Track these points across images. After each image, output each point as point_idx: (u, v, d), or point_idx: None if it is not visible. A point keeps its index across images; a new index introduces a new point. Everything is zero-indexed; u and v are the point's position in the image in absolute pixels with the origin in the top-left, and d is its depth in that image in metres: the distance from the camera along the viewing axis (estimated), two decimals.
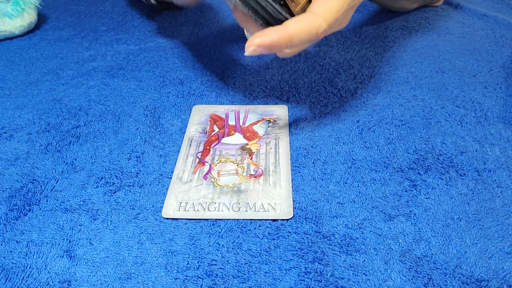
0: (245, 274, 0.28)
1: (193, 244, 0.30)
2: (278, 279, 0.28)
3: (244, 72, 0.51)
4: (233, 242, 0.31)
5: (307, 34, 0.32)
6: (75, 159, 0.38)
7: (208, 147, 0.39)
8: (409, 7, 0.64)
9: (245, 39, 0.58)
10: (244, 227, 0.32)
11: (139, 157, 0.38)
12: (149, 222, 0.32)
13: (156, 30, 0.62)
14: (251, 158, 0.38)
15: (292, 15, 0.34)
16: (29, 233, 0.31)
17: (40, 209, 0.33)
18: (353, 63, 0.52)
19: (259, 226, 0.32)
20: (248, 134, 0.40)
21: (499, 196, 0.34)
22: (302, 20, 0.32)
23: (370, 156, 0.38)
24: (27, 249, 0.30)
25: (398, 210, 0.33)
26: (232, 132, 0.41)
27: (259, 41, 0.32)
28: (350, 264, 0.29)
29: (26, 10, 0.58)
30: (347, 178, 0.36)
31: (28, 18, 0.59)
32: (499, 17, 0.63)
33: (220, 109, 0.44)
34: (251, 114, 0.43)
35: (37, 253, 0.30)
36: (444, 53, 0.54)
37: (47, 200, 0.34)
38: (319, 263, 0.29)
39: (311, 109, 0.44)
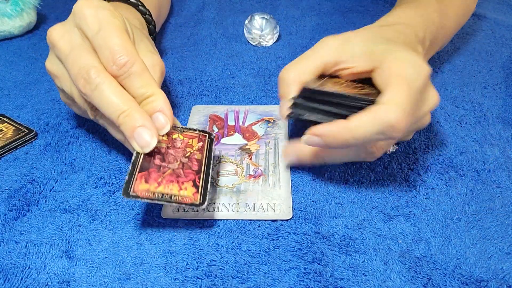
0: (244, 274, 0.28)
1: (192, 244, 0.30)
2: (278, 279, 0.28)
3: (244, 72, 0.51)
4: (232, 242, 0.30)
5: (372, 125, 0.28)
6: (74, 160, 0.38)
7: None
8: None
9: (243, 42, 0.58)
10: (244, 228, 0.32)
11: None
12: (148, 222, 0.32)
13: None
14: (251, 159, 0.38)
15: None
16: (28, 234, 0.31)
17: (39, 210, 0.33)
18: None
19: (259, 226, 0.32)
20: (247, 135, 0.40)
21: (499, 196, 0.34)
22: (366, 112, 0.29)
23: None
24: (26, 249, 0.30)
25: (398, 211, 0.33)
26: (232, 132, 0.41)
27: (315, 130, 0.29)
28: (349, 265, 0.29)
29: (25, 10, 0.58)
30: (347, 179, 0.36)
31: (27, 18, 0.58)
32: (499, 17, 0.63)
33: (220, 110, 0.44)
34: (251, 114, 0.43)
35: (36, 253, 0.30)
36: (444, 53, 0.54)
37: (46, 201, 0.34)
38: (319, 264, 0.29)
39: None
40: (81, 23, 0.32)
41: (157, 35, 0.51)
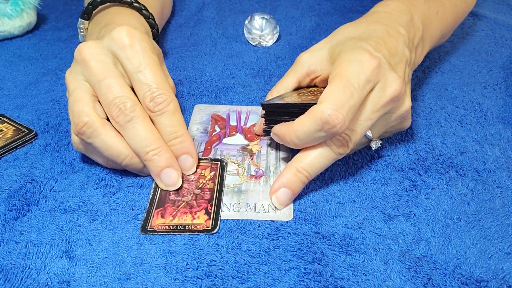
0: (244, 274, 0.28)
1: (192, 244, 0.30)
2: (278, 279, 0.28)
3: (244, 73, 0.51)
4: (233, 242, 0.30)
5: (310, 124, 0.29)
6: (74, 159, 0.38)
7: (209, 147, 0.39)
8: None
9: (243, 42, 0.58)
10: (244, 228, 0.32)
11: None
12: None
13: None
14: (252, 159, 0.38)
15: None
16: (28, 234, 0.31)
17: (39, 210, 0.33)
18: None
19: (259, 226, 0.32)
20: (249, 135, 0.40)
21: (499, 196, 0.34)
22: (306, 113, 0.30)
23: (370, 156, 0.38)
24: (26, 249, 0.30)
25: (398, 210, 0.33)
26: (234, 132, 0.41)
27: (273, 129, 0.33)
28: (349, 264, 0.29)
29: (25, 10, 0.58)
30: (347, 178, 0.36)
31: (27, 18, 0.58)
32: (499, 18, 0.63)
33: (222, 109, 0.44)
34: (252, 115, 0.43)
35: (36, 253, 0.30)
36: (444, 54, 0.54)
37: (46, 201, 0.34)
38: (319, 264, 0.29)
39: None
40: (119, 52, 0.33)
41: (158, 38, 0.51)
